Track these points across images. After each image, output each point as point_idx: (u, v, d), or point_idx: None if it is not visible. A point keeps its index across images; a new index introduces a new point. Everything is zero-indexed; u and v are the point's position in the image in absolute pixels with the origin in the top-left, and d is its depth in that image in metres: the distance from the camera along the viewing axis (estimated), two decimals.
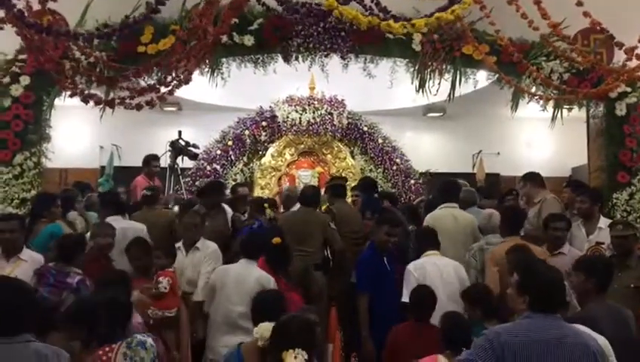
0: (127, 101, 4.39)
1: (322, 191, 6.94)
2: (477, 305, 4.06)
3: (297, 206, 6.06)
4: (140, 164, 7.60)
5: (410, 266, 4.76)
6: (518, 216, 5.14)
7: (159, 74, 4.54)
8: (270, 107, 9.58)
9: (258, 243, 4.68)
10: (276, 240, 4.70)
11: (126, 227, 5.27)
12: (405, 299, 4.55)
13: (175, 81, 4.37)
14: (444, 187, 5.79)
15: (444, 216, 5.40)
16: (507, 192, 7.03)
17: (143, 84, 4.63)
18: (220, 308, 4.33)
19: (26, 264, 4.43)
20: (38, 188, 6.11)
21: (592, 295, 3.74)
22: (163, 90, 4.43)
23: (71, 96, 4.36)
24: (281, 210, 6.87)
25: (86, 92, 4.28)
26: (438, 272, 4.62)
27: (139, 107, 4.43)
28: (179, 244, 4.93)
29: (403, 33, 2.81)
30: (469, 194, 6.05)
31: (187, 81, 4.41)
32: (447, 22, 3.00)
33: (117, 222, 5.23)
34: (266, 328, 3.00)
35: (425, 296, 4.21)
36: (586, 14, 4.40)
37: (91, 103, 4.56)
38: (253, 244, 4.65)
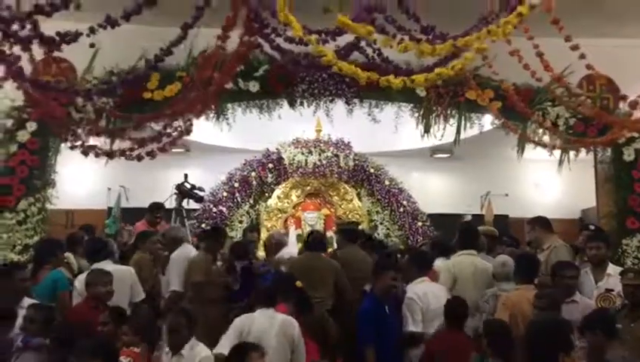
0: (128, 153, 4.39)
1: (330, 233, 6.94)
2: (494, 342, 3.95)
3: (284, 251, 6.13)
4: (147, 205, 7.61)
5: (412, 295, 4.92)
6: (533, 263, 5.11)
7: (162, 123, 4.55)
8: (277, 149, 9.60)
9: (275, 291, 4.57)
10: (298, 283, 4.68)
11: (114, 270, 5.13)
12: (413, 327, 4.80)
13: (176, 132, 4.39)
14: (464, 233, 5.74)
15: (465, 263, 5.39)
16: (528, 243, 6.94)
17: (145, 135, 4.63)
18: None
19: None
20: (41, 234, 6.10)
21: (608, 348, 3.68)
22: (165, 140, 4.44)
23: (71, 148, 4.37)
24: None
25: (86, 144, 4.30)
26: (436, 299, 4.83)
27: (139, 158, 4.43)
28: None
29: (402, 87, 2.80)
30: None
31: (188, 131, 4.42)
32: (448, 76, 3.00)
33: (106, 266, 5.14)
34: None
35: (458, 306, 4.56)
36: (588, 67, 4.38)
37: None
38: (271, 292, 4.52)
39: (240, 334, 4.18)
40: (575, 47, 4.35)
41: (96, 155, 4.41)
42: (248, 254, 6.20)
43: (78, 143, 4.30)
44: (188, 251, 5.76)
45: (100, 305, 4.64)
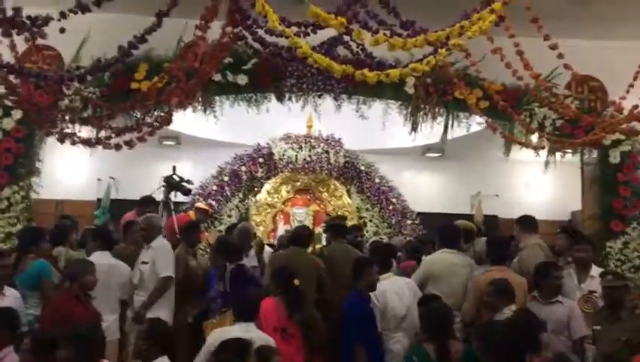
0: (105, 141, 4.39)
1: (319, 230, 6.93)
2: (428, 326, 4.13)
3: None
4: (136, 197, 7.59)
5: (371, 295, 4.89)
6: (503, 245, 5.23)
7: (139, 113, 4.52)
8: (267, 144, 9.59)
9: (253, 303, 4.46)
10: (297, 281, 4.65)
11: (113, 264, 5.25)
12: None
13: (156, 122, 4.38)
14: (443, 232, 5.71)
15: (442, 260, 5.35)
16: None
17: (127, 123, 4.62)
18: None
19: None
20: (24, 222, 6.09)
21: None
22: (145, 130, 4.43)
23: (46, 135, 4.36)
24: None
25: (64, 131, 4.29)
26: (396, 296, 4.86)
27: (117, 147, 4.43)
28: None
29: (377, 82, 2.80)
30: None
31: (168, 121, 4.41)
32: (423, 71, 3.00)
33: (105, 257, 5.22)
34: None
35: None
36: (567, 67, 4.39)
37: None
38: (252, 306, 4.42)
39: (211, 346, 4.03)
40: (554, 47, 4.35)
41: (73, 143, 4.40)
42: (241, 256, 5.72)
43: (56, 130, 4.28)
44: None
45: (82, 294, 4.64)
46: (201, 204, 8.51)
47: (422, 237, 7.69)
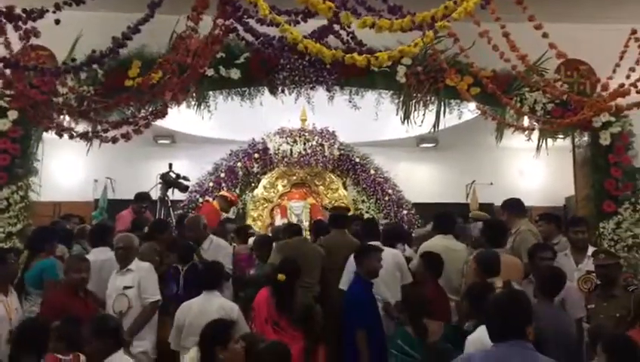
0: (103, 134, 4.44)
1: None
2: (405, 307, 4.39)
3: None
4: (133, 196, 7.64)
5: None
6: (500, 229, 5.24)
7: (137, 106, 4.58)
8: (262, 139, 9.65)
9: (216, 272, 4.66)
10: (281, 276, 4.67)
11: (108, 259, 5.16)
12: None
13: (151, 115, 4.43)
14: (440, 218, 5.82)
15: (438, 246, 5.39)
16: None
17: (122, 116, 4.67)
18: (187, 343, 4.22)
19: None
20: (23, 221, 6.12)
21: None
22: (141, 123, 4.48)
23: (46, 130, 4.41)
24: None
25: (62, 126, 4.34)
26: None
27: (114, 140, 4.48)
28: None
29: (365, 65, 2.86)
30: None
31: (163, 114, 4.46)
32: (411, 54, 3.06)
33: (104, 253, 5.23)
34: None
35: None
36: (552, 46, 4.46)
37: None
38: (212, 274, 4.62)
39: (179, 320, 4.37)
40: (538, 27, 4.41)
41: (71, 137, 4.44)
42: (192, 256, 5.39)
43: (53, 125, 4.33)
44: None
45: (78, 291, 4.65)
46: (224, 192, 8.52)
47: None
